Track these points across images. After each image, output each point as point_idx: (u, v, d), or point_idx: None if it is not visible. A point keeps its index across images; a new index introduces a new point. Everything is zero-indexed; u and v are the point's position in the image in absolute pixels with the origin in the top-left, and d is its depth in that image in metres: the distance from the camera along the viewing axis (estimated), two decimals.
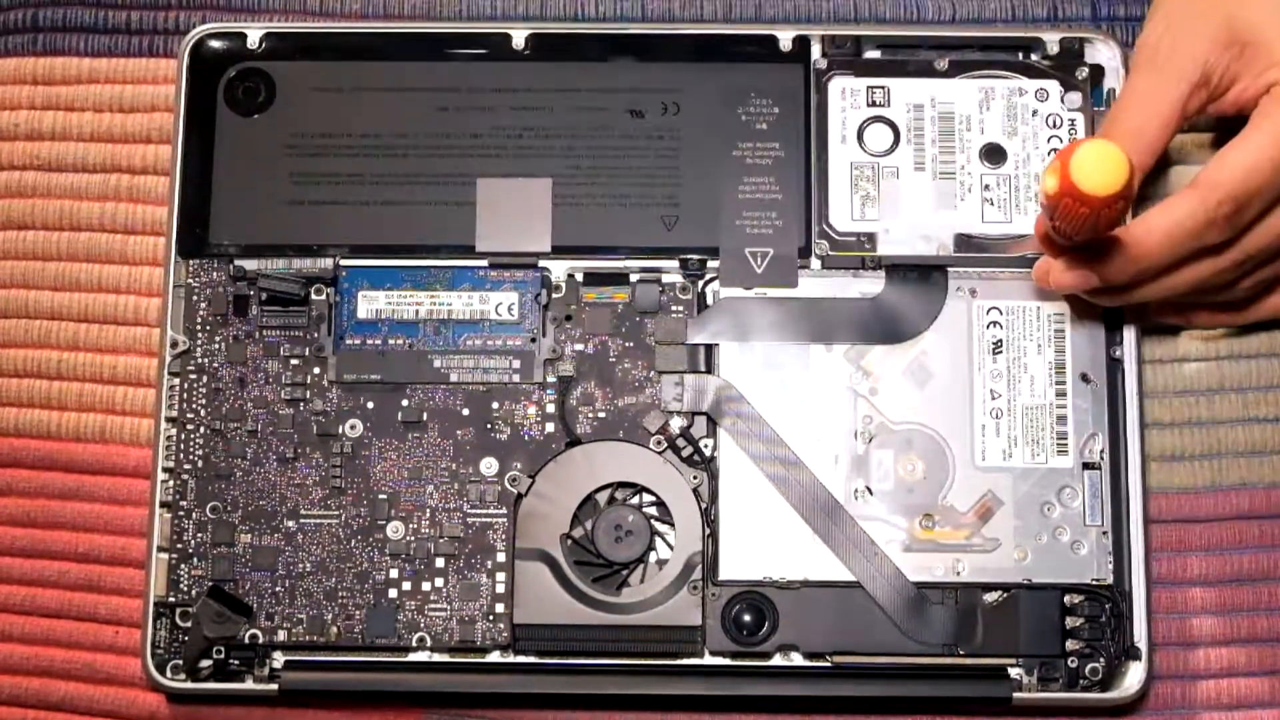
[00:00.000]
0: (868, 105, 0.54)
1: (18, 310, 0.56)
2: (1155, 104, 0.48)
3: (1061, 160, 0.41)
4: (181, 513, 0.52)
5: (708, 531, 0.52)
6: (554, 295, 0.53)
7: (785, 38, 0.54)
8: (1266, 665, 0.53)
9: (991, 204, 0.53)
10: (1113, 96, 0.53)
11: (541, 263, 0.53)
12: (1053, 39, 0.54)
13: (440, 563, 0.52)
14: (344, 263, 0.53)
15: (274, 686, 0.51)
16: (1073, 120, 0.53)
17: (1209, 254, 0.48)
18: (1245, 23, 0.47)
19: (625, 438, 0.52)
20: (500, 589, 0.52)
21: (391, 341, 0.53)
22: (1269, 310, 0.52)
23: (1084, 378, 0.52)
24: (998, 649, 0.51)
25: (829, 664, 0.51)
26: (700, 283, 0.53)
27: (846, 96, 0.54)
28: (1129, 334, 0.53)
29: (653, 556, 0.52)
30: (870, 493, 0.52)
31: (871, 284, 0.53)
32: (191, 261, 0.54)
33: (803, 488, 0.52)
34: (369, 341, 0.53)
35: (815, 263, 0.53)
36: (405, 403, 0.53)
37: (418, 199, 0.54)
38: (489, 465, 0.52)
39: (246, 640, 0.52)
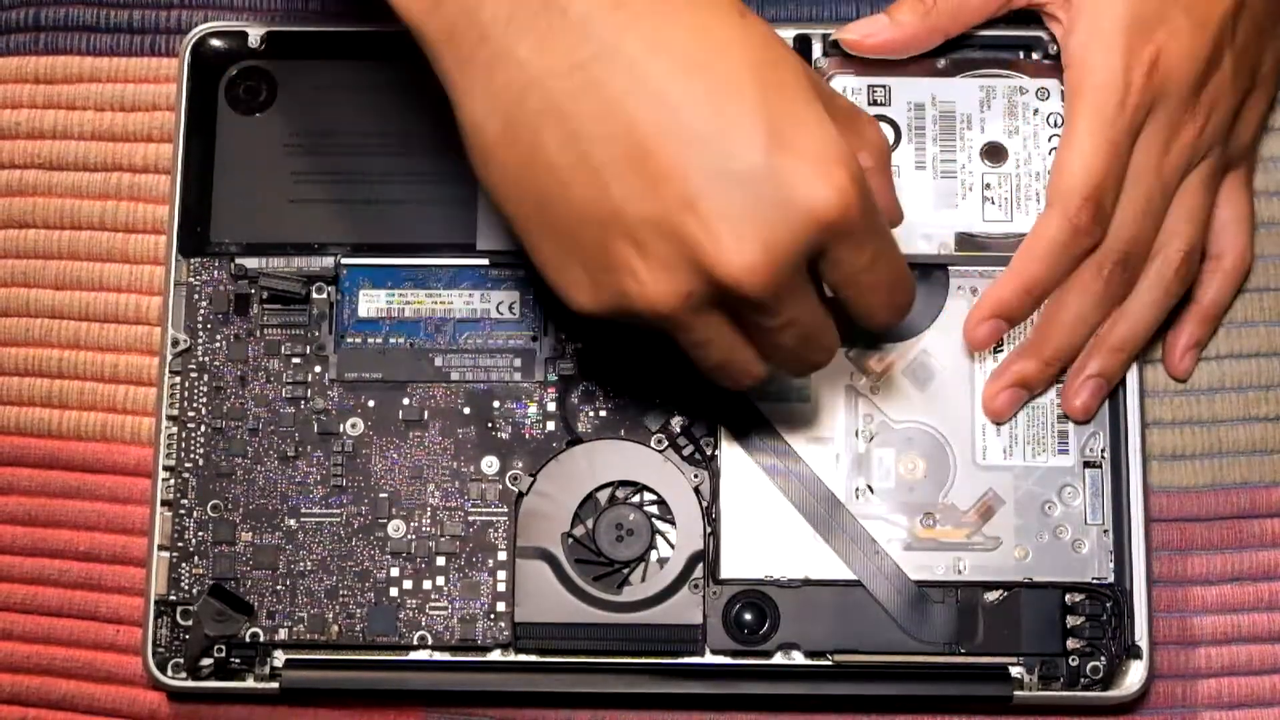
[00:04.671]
0: (868, 104, 0.54)
1: (19, 309, 0.56)
2: None
3: None
4: (182, 511, 0.52)
5: (709, 530, 0.52)
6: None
7: (786, 37, 0.54)
8: (1268, 664, 0.53)
9: (992, 203, 0.53)
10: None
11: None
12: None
13: (441, 561, 0.52)
14: (345, 261, 0.53)
15: (275, 685, 0.51)
16: None
17: (1091, 266, 0.50)
18: None
19: (626, 436, 0.53)
20: (501, 587, 0.52)
21: (392, 340, 0.53)
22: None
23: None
24: (998, 648, 0.51)
25: (830, 663, 0.51)
26: None
27: (848, 95, 0.54)
28: None
29: (654, 555, 0.52)
30: (871, 491, 0.52)
31: None
32: (192, 260, 0.54)
33: (804, 486, 0.52)
34: (370, 340, 0.53)
35: None
36: (406, 401, 0.53)
37: (418, 198, 0.54)
38: (490, 464, 0.52)
39: (247, 639, 0.52)
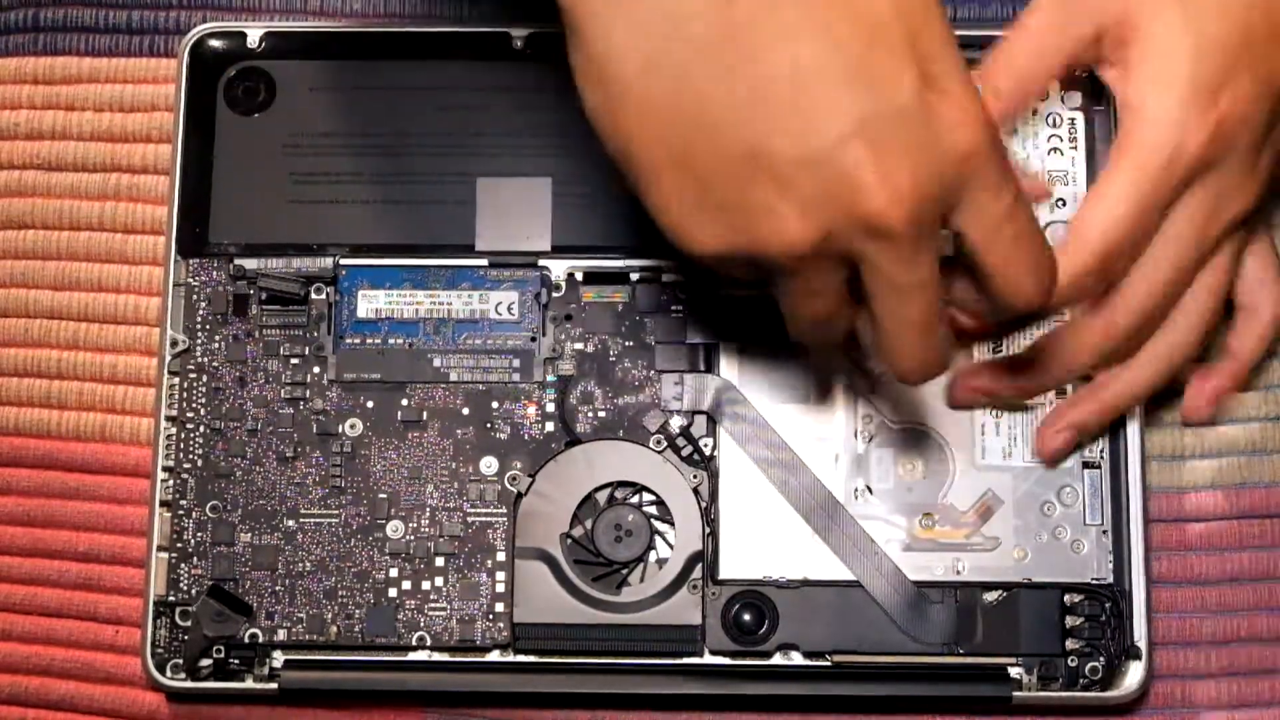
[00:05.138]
0: None
1: (17, 309, 0.56)
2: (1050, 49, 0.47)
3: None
4: (181, 512, 0.52)
5: (708, 531, 0.52)
6: (554, 295, 0.53)
7: None
8: (1267, 665, 0.53)
9: None
10: (1112, 96, 0.53)
11: (541, 262, 0.53)
12: None
13: (440, 562, 0.52)
14: (344, 262, 0.53)
15: (274, 686, 0.51)
16: (1072, 120, 0.53)
17: (1099, 323, 0.48)
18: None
19: (625, 437, 0.52)
20: (500, 588, 0.52)
21: (391, 341, 0.53)
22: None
23: (1085, 376, 0.52)
24: (998, 648, 0.51)
25: (829, 663, 0.51)
26: None
27: None
28: None
29: (652, 556, 0.52)
30: (870, 492, 0.52)
31: None
32: (191, 261, 0.54)
33: (802, 487, 0.52)
34: (369, 341, 0.53)
35: None
36: (405, 402, 0.53)
37: (418, 198, 0.54)
38: (489, 464, 0.52)
39: (246, 639, 0.52)
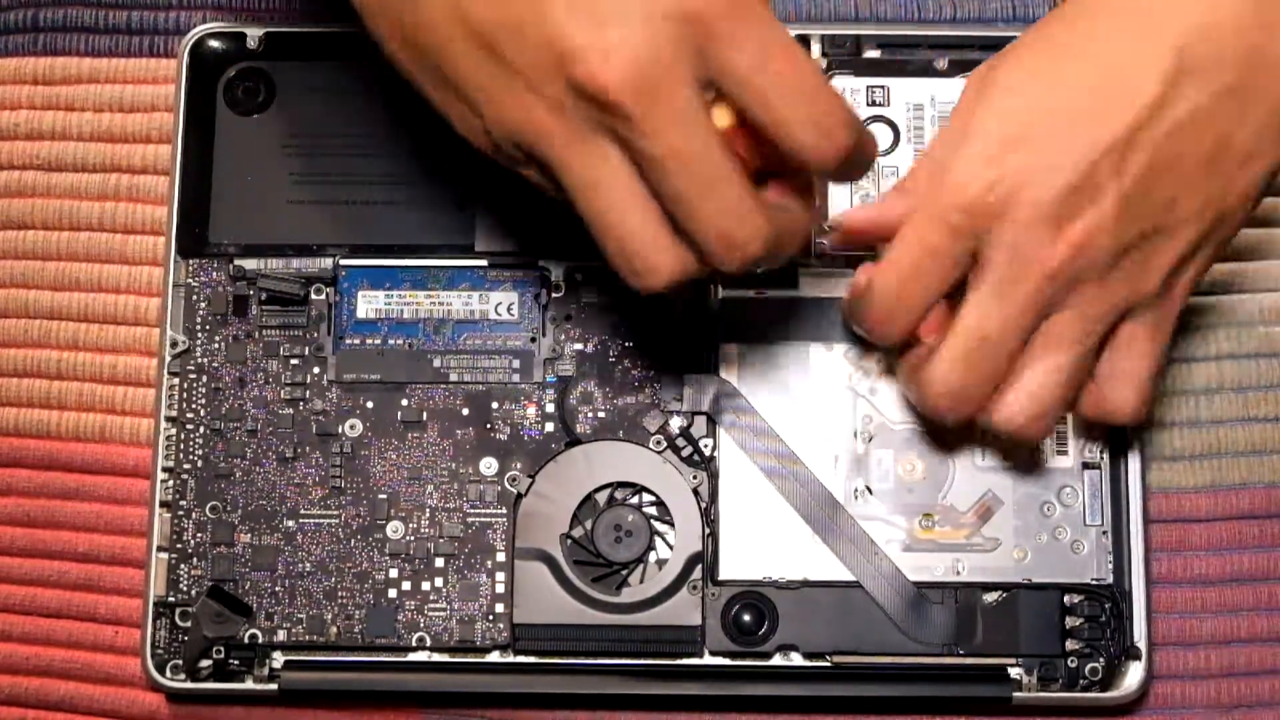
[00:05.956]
0: (868, 105, 0.54)
1: (17, 310, 0.56)
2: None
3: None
4: (181, 512, 0.52)
5: (707, 531, 0.52)
6: (554, 295, 0.53)
7: None
8: (1267, 665, 0.53)
9: None
10: None
11: (541, 262, 0.53)
12: None
13: (440, 562, 0.52)
14: (344, 262, 0.53)
15: (274, 686, 0.51)
16: None
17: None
18: None
19: (625, 437, 0.52)
20: (500, 589, 0.52)
21: (391, 341, 0.53)
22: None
23: None
24: (998, 649, 0.51)
25: (829, 664, 0.51)
26: None
27: (846, 96, 0.54)
28: None
29: (652, 556, 0.52)
30: (870, 492, 0.52)
31: None
32: (191, 261, 0.54)
33: (802, 487, 0.52)
34: (368, 341, 0.53)
35: (816, 263, 0.53)
36: (405, 402, 0.53)
37: (417, 199, 0.54)
38: (488, 465, 0.52)
39: (246, 640, 0.52)
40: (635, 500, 0.52)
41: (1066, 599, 0.51)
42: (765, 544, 0.51)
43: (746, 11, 0.37)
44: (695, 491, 0.52)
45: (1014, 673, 0.51)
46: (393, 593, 0.52)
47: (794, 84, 0.38)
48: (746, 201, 0.39)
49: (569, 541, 0.52)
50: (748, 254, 0.39)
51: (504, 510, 0.52)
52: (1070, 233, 0.43)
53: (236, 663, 0.52)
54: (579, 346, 0.53)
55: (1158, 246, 0.44)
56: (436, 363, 0.53)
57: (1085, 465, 0.52)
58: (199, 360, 0.53)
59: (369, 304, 0.53)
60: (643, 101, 0.37)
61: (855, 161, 0.40)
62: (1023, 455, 0.51)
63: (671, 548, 0.52)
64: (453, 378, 0.53)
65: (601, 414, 0.53)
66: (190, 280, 0.54)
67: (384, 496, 0.52)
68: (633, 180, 0.39)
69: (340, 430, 0.53)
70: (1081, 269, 0.43)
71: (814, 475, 0.52)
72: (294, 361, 0.53)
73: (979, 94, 0.44)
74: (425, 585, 0.52)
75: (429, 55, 0.40)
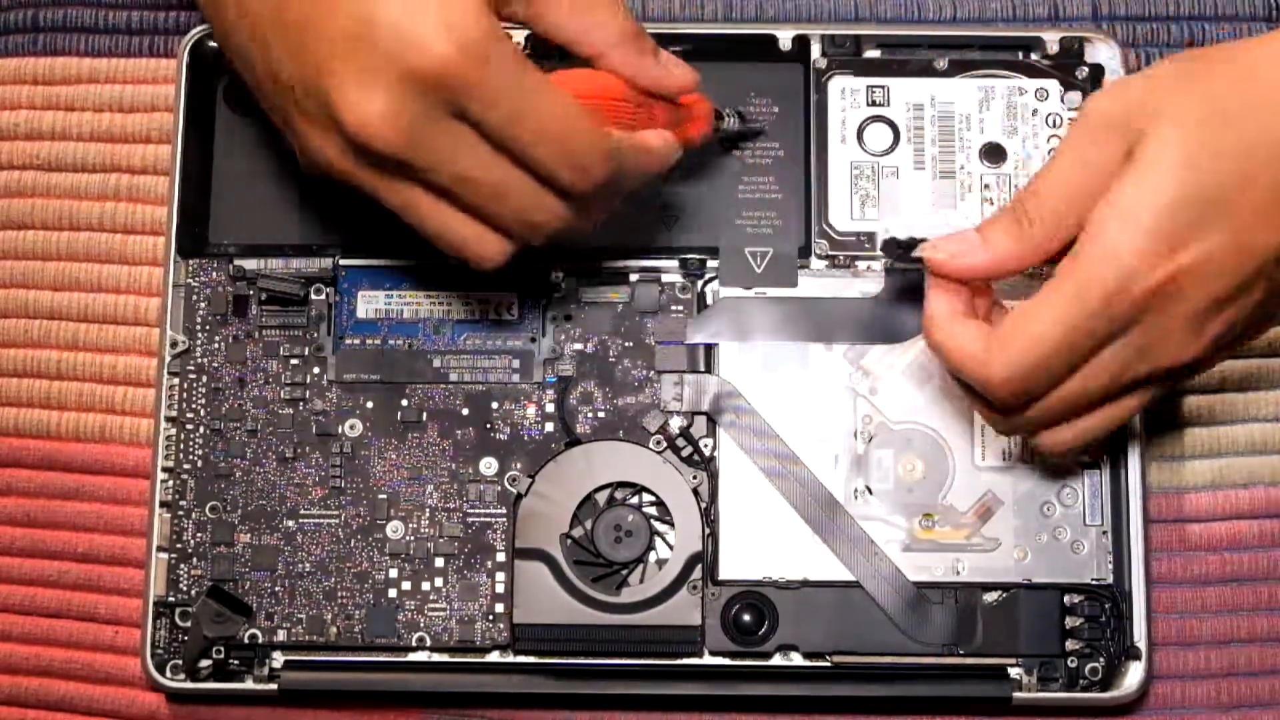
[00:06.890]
0: (867, 105, 0.54)
1: (17, 310, 0.56)
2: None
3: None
4: (181, 512, 0.52)
5: (707, 531, 0.52)
6: (554, 295, 0.53)
7: (785, 37, 0.54)
8: (1267, 665, 0.53)
9: (991, 203, 0.53)
10: None
11: (541, 263, 0.53)
12: (1053, 38, 0.54)
13: (440, 562, 0.52)
14: (343, 262, 0.53)
15: (274, 686, 0.51)
16: (1072, 120, 0.53)
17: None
18: None
19: (625, 437, 0.52)
20: (500, 589, 0.52)
21: (391, 341, 0.53)
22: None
23: None
24: (997, 649, 0.51)
25: (829, 664, 0.51)
26: (700, 282, 0.53)
27: (846, 96, 0.54)
28: None
29: (652, 556, 0.52)
30: (870, 492, 0.52)
31: (871, 283, 0.53)
32: (191, 261, 0.54)
33: (802, 487, 0.52)
34: (368, 341, 0.53)
35: (815, 262, 0.53)
36: (405, 402, 0.53)
37: None
38: (488, 465, 0.52)
39: (246, 640, 0.52)
40: (635, 500, 0.52)
41: (1066, 599, 0.51)
42: (765, 544, 0.51)
43: (488, 64, 0.40)
44: (695, 491, 0.52)
45: (1014, 673, 0.51)
46: (393, 593, 0.52)
47: (549, 132, 0.42)
48: (533, 198, 0.43)
49: (569, 541, 0.52)
50: (547, 234, 0.44)
51: (504, 510, 0.52)
52: (1210, 328, 0.42)
53: (236, 663, 0.52)
54: (579, 346, 0.53)
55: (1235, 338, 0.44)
56: (436, 363, 0.53)
57: (1085, 465, 0.52)
58: (199, 360, 0.53)
59: (369, 304, 0.53)
60: (410, 149, 0.41)
61: (623, 180, 0.44)
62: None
63: (671, 548, 0.52)
64: (453, 378, 0.53)
65: (601, 414, 0.53)
66: (190, 280, 0.54)
67: (384, 496, 0.52)
68: (434, 199, 0.43)
69: (340, 430, 0.53)
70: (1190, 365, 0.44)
71: (814, 475, 0.52)
72: (294, 361, 0.53)
73: (1145, 154, 0.41)
74: (425, 585, 0.52)
75: (262, 97, 0.45)
